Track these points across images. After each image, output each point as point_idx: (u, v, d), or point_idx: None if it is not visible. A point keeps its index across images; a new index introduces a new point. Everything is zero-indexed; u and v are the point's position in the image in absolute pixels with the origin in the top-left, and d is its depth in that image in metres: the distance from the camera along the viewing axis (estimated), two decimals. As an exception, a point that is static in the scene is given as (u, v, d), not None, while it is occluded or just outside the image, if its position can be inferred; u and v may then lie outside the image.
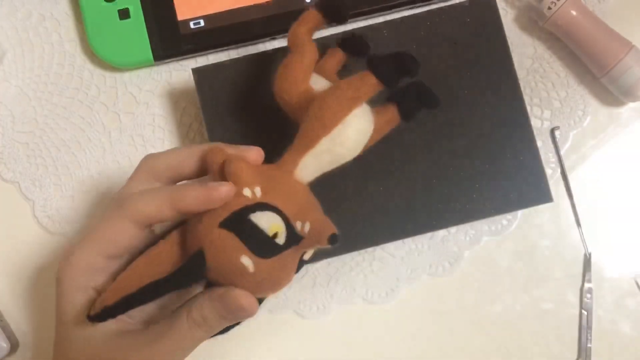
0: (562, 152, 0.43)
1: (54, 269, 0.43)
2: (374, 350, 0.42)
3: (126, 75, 0.44)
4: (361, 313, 0.42)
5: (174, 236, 0.30)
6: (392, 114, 0.34)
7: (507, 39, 0.40)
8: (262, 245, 0.28)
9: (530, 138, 0.40)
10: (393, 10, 0.43)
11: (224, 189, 0.28)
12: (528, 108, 0.41)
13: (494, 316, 0.42)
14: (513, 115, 0.40)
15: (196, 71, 0.40)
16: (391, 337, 0.42)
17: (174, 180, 0.32)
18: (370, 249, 0.42)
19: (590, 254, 0.42)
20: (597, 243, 0.43)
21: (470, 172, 0.40)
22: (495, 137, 0.40)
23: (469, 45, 0.41)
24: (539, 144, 0.42)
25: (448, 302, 0.43)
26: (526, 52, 0.44)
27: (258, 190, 0.29)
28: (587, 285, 0.42)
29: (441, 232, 0.42)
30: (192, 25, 0.42)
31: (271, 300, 0.42)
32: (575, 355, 0.42)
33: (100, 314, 0.28)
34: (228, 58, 0.41)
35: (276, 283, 0.30)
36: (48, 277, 0.43)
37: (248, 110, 0.40)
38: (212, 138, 0.40)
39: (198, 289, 0.33)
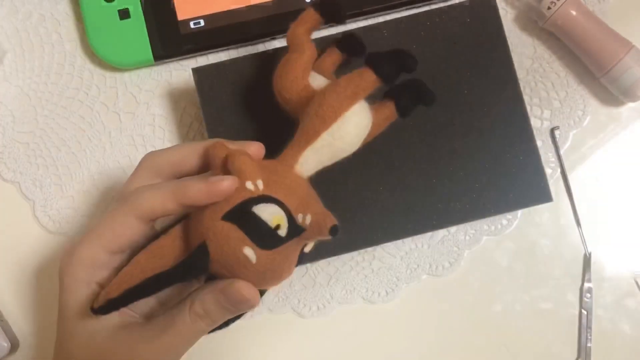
0: (561, 152, 0.43)
1: (54, 268, 0.43)
2: (374, 350, 0.42)
3: (126, 75, 0.44)
4: (361, 313, 0.42)
5: (176, 231, 0.30)
6: (389, 110, 0.35)
7: (507, 39, 0.40)
8: (264, 236, 0.29)
9: (530, 138, 0.40)
10: (393, 10, 0.43)
11: (226, 183, 0.29)
12: (528, 108, 0.41)
13: (494, 316, 0.42)
14: (513, 115, 0.40)
15: (196, 71, 0.40)
16: (391, 336, 0.42)
17: (176, 177, 0.32)
18: (370, 249, 0.42)
19: (590, 254, 0.42)
20: (597, 243, 0.43)
21: (470, 171, 0.40)
22: (495, 137, 0.40)
23: (469, 45, 0.41)
24: (539, 143, 0.42)
25: (448, 301, 0.43)
26: (526, 52, 0.44)
27: (260, 183, 0.29)
28: (586, 285, 0.42)
29: (441, 232, 0.42)
30: (192, 25, 0.42)
31: (271, 300, 0.42)
32: (575, 355, 0.42)
33: (104, 307, 0.29)
34: (228, 58, 0.41)
35: (278, 274, 0.30)
36: (48, 277, 0.43)
37: (248, 110, 0.40)
38: (212, 137, 0.40)
39: (198, 283, 0.33)
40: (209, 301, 0.30)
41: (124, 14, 0.42)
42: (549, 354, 0.42)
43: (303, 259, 0.33)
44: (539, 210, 0.43)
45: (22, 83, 0.44)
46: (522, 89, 0.40)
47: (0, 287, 0.43)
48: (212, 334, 0.32)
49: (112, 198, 0.43)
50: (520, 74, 0.42)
